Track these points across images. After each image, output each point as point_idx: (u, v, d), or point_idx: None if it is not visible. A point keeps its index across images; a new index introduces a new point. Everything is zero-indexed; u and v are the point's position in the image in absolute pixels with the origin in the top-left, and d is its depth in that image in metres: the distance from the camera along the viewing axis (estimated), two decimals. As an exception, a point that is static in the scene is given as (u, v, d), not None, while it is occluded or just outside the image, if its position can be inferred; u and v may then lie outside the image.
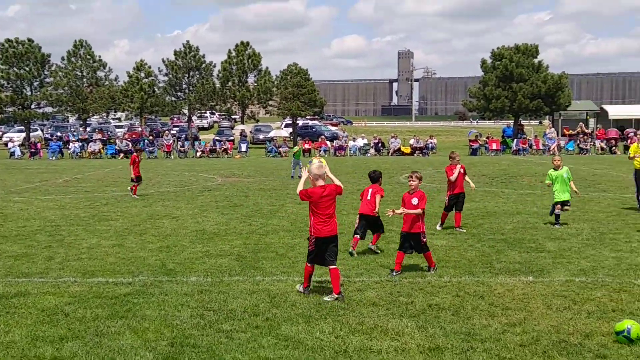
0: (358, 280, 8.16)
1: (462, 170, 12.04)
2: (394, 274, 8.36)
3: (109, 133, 53.84)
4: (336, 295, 7.26)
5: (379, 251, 9.86)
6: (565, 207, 12.22)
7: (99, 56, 61.93)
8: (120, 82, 58.49)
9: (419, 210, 8.45)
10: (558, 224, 12.06)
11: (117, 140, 45.59)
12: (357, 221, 9.94)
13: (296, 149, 24.96)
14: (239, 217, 13.86)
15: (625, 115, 49.73)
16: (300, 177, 22.30)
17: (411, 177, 8.79)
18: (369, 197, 9.85)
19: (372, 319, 6.63)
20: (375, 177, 10.17)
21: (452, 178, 11.88)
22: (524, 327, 6.30)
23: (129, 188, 18.01)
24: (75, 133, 53.77)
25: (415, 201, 8.46)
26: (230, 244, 10.72)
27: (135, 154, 18.46)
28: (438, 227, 12.05)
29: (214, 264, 9.27)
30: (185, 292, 7.72)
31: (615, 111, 50.98)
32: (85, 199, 17.53)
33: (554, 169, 12.39)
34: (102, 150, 42.02)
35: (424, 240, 8.54)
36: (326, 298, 7.28)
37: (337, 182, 7.68)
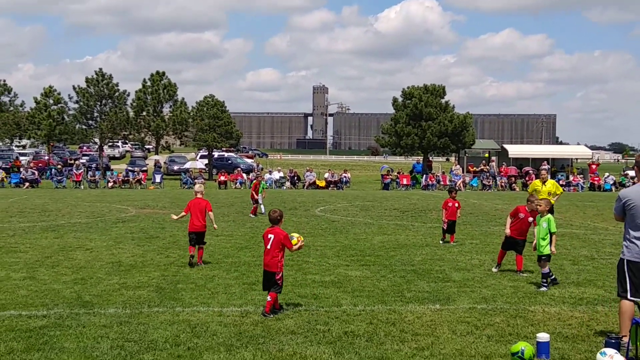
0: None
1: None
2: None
3: (10, 161, 51.17)
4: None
5: None
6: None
7: (3, 80, 59.69)
8: (26, 108, 56.22)
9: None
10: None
11: (21, 169, 43.52)
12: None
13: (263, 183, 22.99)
14: (156, 248, 13.78)
15: (523, 154, 53.09)
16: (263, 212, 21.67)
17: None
18: (269, 246, 8.30)
19: (291, 346, 6.92)
20: (274, 219, 8.46)
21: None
22: (432, 351, 6.80)
23: None
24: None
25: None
26: (148, 276, 10.70)
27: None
28: (494, 270, 11.37)
29: (132, 295, 9.26)
30: (103, 324, 7.71)
31: (515, 150, 54.27)
32: (-11, 230, 16.79)
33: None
34: (4, 179, 40.04)
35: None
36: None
37: None
